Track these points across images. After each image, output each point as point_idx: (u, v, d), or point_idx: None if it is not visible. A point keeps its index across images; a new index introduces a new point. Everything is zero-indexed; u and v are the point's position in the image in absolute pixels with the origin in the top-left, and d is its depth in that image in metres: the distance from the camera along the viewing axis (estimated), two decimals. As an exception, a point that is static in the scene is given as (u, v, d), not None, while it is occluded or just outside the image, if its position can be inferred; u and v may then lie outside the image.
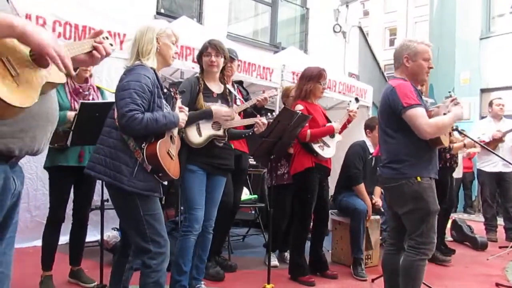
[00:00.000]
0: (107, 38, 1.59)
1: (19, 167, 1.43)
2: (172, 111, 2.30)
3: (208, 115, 2.83)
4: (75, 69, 2.76)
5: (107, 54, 1.53)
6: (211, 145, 2.88)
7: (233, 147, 3.17)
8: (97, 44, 1.49)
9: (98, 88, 3.24)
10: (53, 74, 1.31)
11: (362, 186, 4.05)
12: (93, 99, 3.10)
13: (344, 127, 3.84)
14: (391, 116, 2.57)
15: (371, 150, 4.23)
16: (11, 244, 1.43)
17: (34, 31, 1.19)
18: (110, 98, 3.40)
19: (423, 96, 2.67)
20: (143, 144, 2.11)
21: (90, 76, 3.14)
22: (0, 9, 1.23)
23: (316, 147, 3.59)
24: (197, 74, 3.08)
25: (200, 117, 2.81)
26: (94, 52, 1.49)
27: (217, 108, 2.87)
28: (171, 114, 2.24)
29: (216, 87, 3.03)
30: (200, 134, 2.84)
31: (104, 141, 2.17)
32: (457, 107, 2.64)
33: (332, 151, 3.69)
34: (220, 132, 2.92)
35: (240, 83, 3.95)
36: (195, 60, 3.36)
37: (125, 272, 2.39)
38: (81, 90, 3.05)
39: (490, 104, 5.83)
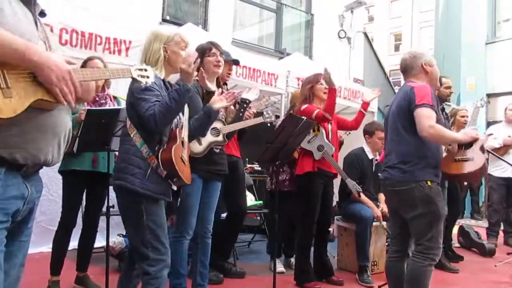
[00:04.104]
0: (140, 70, 1.66)
1: (38, 177, 1.51)
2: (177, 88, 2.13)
3: (209, 114, 2.49)
4: None
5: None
6: (209, 151, 2.87)
7: (225, 151, 3.14)
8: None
9: (115, 97, 3.23)
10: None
11: (362, 196, 4.00)
12: None
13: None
14: (406, 116, 2.59)
15: (370, 156, 4.22)
16: (23, 248, 1.49)
17: (43, 66, 1.26)
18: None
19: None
20: (157, 148, 2.12)
21: (107, 85, 3.13)
22: (24, 36, 1.30)
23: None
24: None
25: (205, 120, 2.50)
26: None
27: (213, 99, 2.51)
28: (174, 90, 2.09)
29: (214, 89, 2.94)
30: (200, 142, 2.82)
31: (120, 148, 2.22)
32: (471, 130, 2.80)
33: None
34: (220, 138, 2.91)
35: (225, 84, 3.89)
36: None
37: (132, 279, 2.38)
38: (97, 99, 3.05)
39: (505, 110, 5.95)
